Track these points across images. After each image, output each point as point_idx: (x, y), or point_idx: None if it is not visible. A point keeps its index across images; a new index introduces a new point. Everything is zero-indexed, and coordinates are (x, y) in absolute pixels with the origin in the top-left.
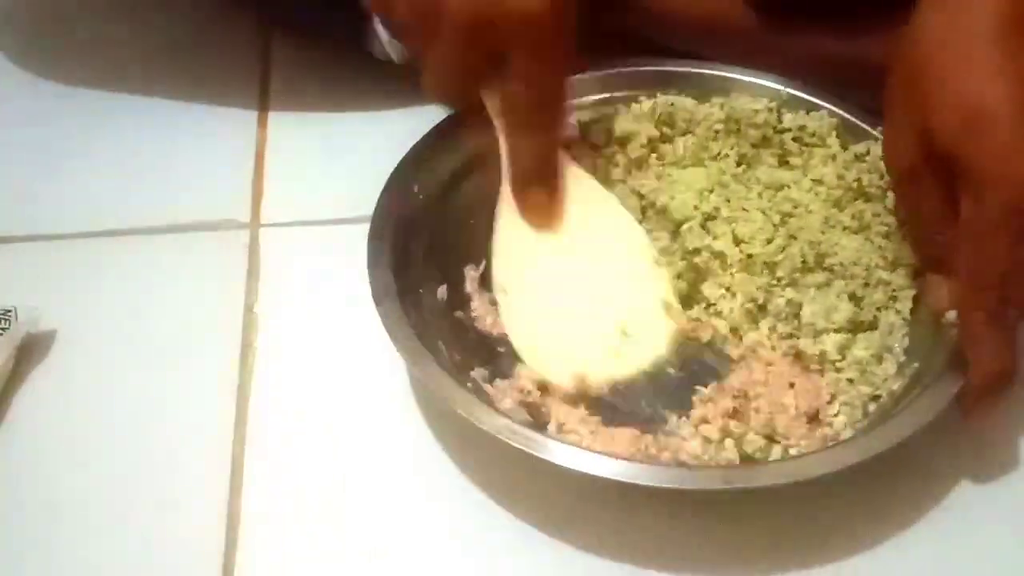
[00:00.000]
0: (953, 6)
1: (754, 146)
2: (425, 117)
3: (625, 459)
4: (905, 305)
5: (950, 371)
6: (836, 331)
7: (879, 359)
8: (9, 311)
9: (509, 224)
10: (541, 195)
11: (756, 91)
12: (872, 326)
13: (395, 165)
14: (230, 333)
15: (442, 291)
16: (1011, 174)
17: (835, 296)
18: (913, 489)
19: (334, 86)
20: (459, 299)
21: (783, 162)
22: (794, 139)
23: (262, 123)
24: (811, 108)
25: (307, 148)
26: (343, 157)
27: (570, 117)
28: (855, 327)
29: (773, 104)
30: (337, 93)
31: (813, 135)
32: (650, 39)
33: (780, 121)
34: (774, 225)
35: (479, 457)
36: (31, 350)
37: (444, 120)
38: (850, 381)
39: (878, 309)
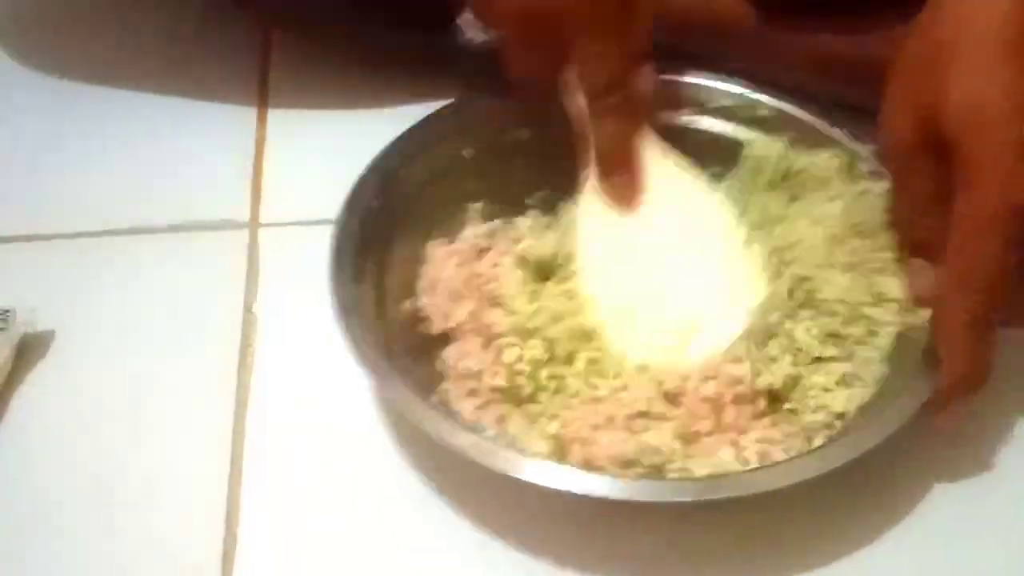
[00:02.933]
0: None
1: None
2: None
3: (594, 473)
4: (884, 341)
5: (921, 378)
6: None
7: (846, 387)
8: (7, 311)
9: (594, 208)
10: (622, 180)
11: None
12: (847, 358)
13: (354, 180)
14: (229, 333)
15: (410, 303)
16: (1012, 174)
17: (803, 331)
18: (887, 494)
19: (334, 85)
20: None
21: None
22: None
23: (262, 122)
24: (817, 142)
25: (307, 147)
26: (343, 156)
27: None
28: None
29: (785, 143)
30: (337, 92)
31: (818, 172)
32: (654, 39)
33: (791, 163)
34: (766, 255)
35: (454, 472)
36: (29, 350)
37: (405, 132)
38: (793, 411)
39: (855, 343)
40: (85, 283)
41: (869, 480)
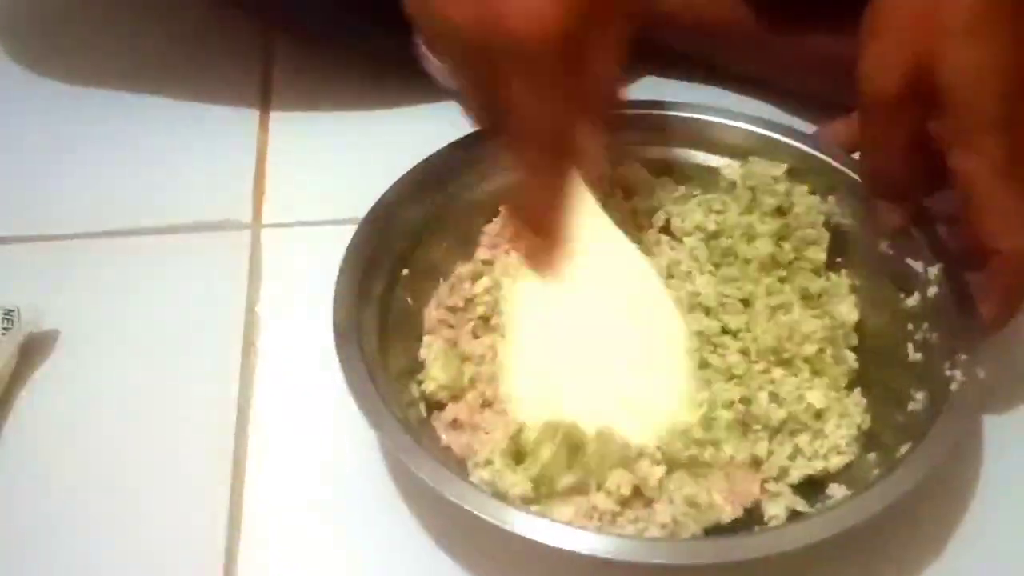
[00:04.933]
0: None
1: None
2: (427, 117)
3: (597, 534)
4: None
5: (920, 446)
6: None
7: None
8: (12, 311)
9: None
10: (540, 241)
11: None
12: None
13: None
14: (232, 334)
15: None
16: (1013, 127)
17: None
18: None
19: (336, 86)
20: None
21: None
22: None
23: (264, 123)
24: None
25: (309, 148)
26: (345, 157)
27: (599, 151)
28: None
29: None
30: (339, 93)
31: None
32: (650, 39)
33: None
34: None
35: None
36: (33, 350)
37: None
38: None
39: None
40: (89, 283)
41: (881, 540)
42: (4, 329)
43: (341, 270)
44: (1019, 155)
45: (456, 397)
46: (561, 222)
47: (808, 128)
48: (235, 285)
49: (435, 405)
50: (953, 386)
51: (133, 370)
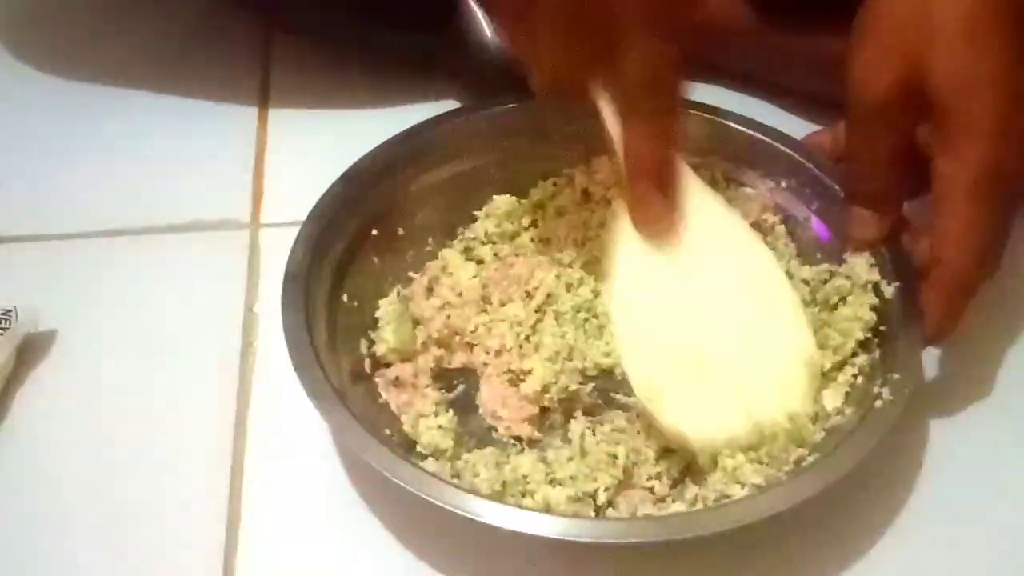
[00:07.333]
0: None
1: None
2: (426, 116)
3: (562, 516)
4: None
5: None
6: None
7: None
8: (9, 311)
9: (628, 240)
10: (658, 196)
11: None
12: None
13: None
14: (230, 333)
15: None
16: (1001, 136)
17: None
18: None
19: (335, 85)
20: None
21: None
22: None
23: (263, 122)
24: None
25: (308, 147)
26: (344, 156)
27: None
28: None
29: None
30: (338, 92)
31: None
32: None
33: None
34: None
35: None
36: (31, 350)
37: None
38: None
39: None
40: (87, 283)
41: (835, 514)
42: (1, 330)
43: (303, 224)
44: (1004, 169)
45: (407, 359)
46: (674, 175)
47: (806, 127)
48: (234, 285)
49: (383, 364)
50: (878, 403)
51: (131, 370)
